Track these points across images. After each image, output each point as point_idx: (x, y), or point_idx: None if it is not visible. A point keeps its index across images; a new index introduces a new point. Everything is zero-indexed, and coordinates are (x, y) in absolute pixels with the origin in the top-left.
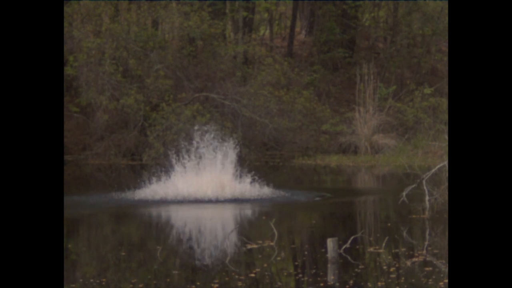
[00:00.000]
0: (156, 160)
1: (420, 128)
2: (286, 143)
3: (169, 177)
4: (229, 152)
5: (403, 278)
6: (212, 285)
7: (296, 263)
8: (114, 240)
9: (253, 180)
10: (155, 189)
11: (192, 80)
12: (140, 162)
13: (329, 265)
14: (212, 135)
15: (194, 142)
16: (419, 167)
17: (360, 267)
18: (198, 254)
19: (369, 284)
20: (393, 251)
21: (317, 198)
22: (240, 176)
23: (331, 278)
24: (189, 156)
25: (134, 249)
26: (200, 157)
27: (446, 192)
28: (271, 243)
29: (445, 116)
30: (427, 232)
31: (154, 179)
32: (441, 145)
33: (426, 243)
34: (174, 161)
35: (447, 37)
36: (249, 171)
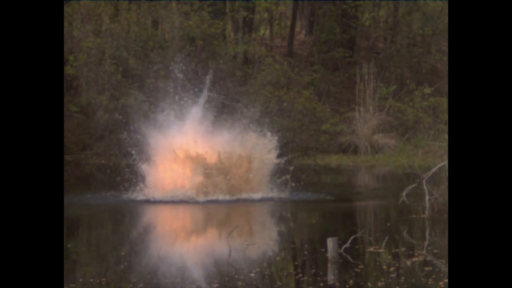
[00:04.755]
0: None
1: (420, 128)
2: (286, 143)
3: (169, 177)
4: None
5: (403, 278)
6: (212, 285)
7: (296, 263)
8: (114, 240)
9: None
10: (155, 189)
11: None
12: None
13: (329, 265)
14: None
15: (195, 142)
16: (419, 167)
17: (360, 267)
18: (198, 254)
19: (369, 284)
20: (393, 251)
21: (317, 198)
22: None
23: (331, 278)
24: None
25: (134, 249)
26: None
27: (446, 192)
28: (271, 243)
29: (445, 116)
30: (427, 232)
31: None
32: (441, 145)
33: (426, 243)
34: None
35: (447, 37)
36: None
